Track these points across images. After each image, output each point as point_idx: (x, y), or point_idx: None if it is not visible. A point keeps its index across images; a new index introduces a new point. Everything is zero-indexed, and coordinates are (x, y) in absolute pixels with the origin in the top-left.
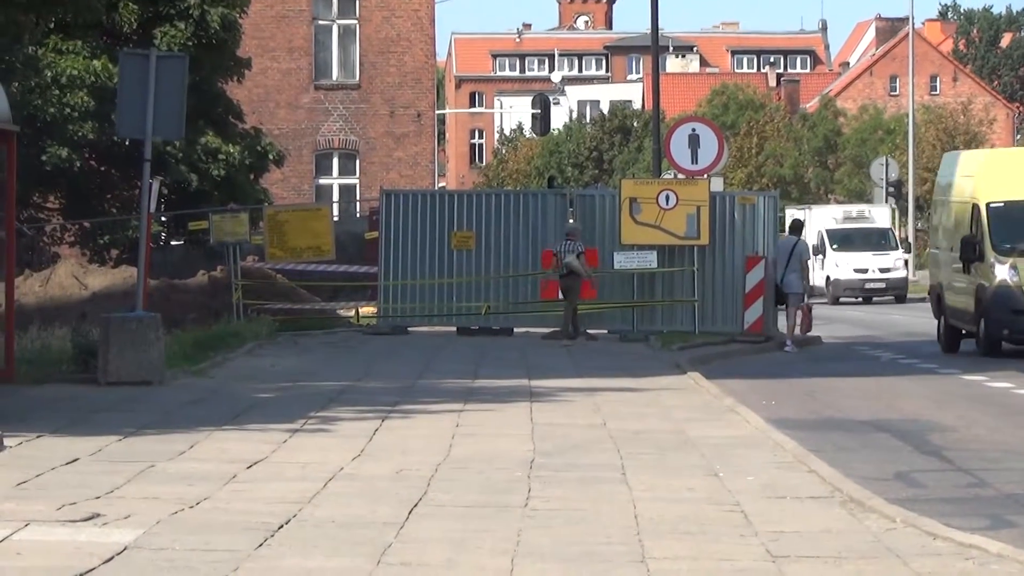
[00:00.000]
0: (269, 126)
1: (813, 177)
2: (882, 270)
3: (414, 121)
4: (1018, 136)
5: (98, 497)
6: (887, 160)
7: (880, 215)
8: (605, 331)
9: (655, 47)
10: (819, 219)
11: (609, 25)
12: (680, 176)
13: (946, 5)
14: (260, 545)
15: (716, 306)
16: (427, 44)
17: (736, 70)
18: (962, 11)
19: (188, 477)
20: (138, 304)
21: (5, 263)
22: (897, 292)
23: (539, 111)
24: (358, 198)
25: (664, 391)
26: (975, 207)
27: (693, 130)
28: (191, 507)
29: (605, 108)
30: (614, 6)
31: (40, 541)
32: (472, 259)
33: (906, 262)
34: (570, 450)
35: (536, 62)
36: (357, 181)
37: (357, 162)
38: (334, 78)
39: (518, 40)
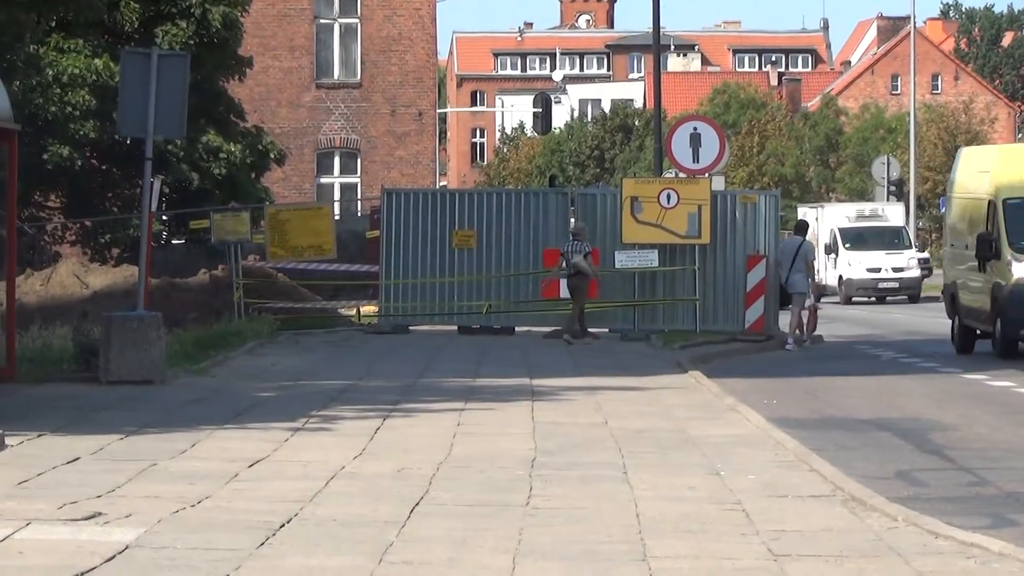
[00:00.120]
0: (270, 125)
1: (814, 176)
2: (895, 269)
3: (415, 120)
4: (1019, 135)
5: (99, 496)
6: (888, 159)
7: (894, 213)
8: (606, 330)
9: (656, 46)
10: (832, 217)
11: (610, 24)
12: (681, 175)
13: (947, 4)
14: (262, 544)
15: (717, 305)
16: (428, 43)
17: (737, 69)
18: (964, 10)
19: (189, 476)
20: (139, 303)
21: (6, 262)
22: (911, 292)
23: (540, 110)
24: (359, 197)
25: (665, 390)
26: (991, 203)
27: (694, 129)
28: (192, 506)
29: (606, 107)
30: (615, 5)
31: (41, 540)
32: (473, 258)
33: (921, 261)
34: (571, 449)
35: (537, 61)
36: (358, 180)
37: (358, 161)
38: (335, 77)
39: (519, 39)
